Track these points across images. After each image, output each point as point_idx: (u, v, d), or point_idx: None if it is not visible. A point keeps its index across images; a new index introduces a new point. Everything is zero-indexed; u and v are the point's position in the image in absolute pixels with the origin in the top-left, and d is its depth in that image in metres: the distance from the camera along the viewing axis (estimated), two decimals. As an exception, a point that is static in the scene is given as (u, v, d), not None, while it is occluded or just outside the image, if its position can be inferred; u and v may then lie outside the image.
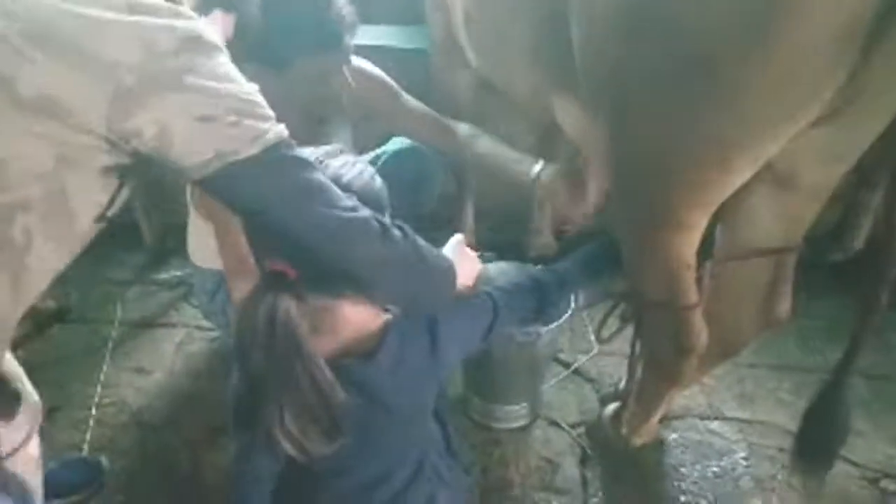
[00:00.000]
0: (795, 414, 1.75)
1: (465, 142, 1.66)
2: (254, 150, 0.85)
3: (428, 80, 1.94)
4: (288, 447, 0.90)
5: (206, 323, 2.00)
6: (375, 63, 1.69)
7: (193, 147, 0.83)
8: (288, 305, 0.87)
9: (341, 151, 1.01)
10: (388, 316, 1.04)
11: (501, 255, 1.79)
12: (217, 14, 1.07)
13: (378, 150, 1.87)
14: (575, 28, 1.07)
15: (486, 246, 2.09)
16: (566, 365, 1.87)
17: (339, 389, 0.91)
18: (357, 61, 1.63)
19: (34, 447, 1.15)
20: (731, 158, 0.97)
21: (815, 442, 1.25)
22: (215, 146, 0.83)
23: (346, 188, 0.94)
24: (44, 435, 1.20)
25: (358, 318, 0.99)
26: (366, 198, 0.96)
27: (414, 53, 2.05)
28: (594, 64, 1.05)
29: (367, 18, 2.16)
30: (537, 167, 1.54)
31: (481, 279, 1.69)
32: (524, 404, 1.68)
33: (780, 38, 0.81)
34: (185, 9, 0.85)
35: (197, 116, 0.82)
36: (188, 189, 1.56)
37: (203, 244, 1.56)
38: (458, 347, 1.09)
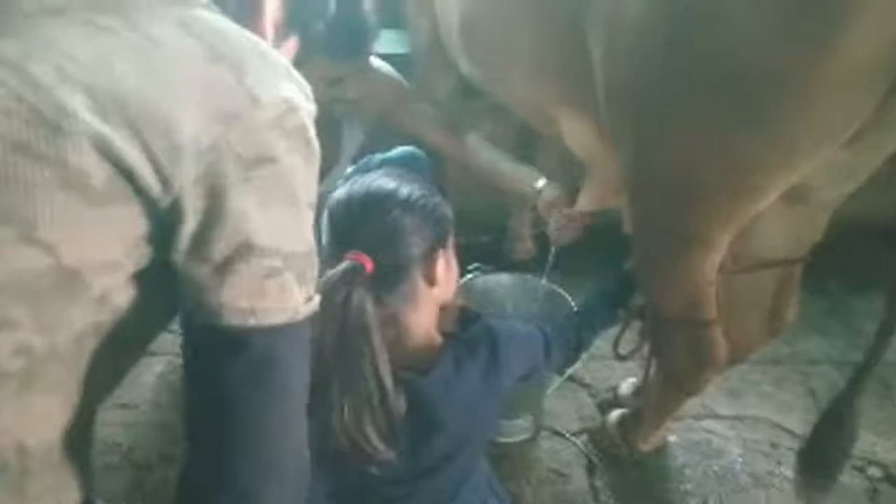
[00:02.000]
0: (780, 406, 1.84)
1: (471, 149, 1.66)
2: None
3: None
4: (343, 441, 0.88)
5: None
6: None
7: None
8: (363, 295, 0.87)
9: (409, 176, 1.01)
10: (448, 333, 1.04)
11: (487, 265, 1.79)
12: (293, 42, 0.90)
13: (382, 156, 1.83)
14: (596, 44, 1.06)
15: (463, 251, 2.08)
16: (560, 372, 1.89)
17: (400, 396, 0.91)
18: (372, 60, 1.61)
19: None
20: (761, 183, 0.98)
21: (826, 452, 1.29)
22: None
23: (409, 199, 0.95)
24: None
25: (420, 331, 0.99)
26: (430, 210, 0.96)
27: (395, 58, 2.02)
28: (619, 82, 1.04)
29: None
30: (542, 181, 1.56)
31: (478, 291, 1.72)
32: (528, 417, 1.69)
33: (818, 65, 0.82)
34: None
35: None
36: None
37: None
38: (515, 372, 1.09)
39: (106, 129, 0.52)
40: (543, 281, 1.66)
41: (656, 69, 0.96)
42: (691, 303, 1.19)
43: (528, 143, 1.98)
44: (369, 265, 0.90)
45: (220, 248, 0.57)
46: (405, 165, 1.78)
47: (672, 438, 1.71)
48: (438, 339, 1.02)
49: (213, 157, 0.55)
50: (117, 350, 0.63)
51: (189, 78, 0.56)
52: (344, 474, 0.98)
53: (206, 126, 0.55)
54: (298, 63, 1.36)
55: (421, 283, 0.97)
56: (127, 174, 0.53)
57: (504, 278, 1.71)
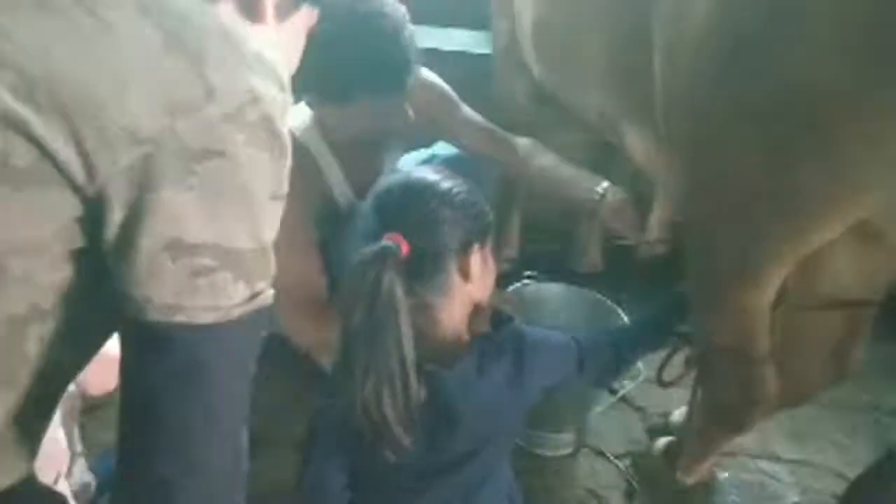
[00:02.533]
0: (849, 457, 1.70)
1: (527, 156, 1.62)
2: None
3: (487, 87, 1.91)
4: (363, 419, 0.89)
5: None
6: (440, 66, 1.66)
7: None
8: (394, 276, 0.88)
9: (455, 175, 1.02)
10: (477, 333, 1.04)
11: (550, 275, 1.75)
12: (305, 10, 0.84)
13: (426, 152, 1.83)
14: (658, 55, 1.02)
15: (529, 259, 2.05)
16: (612, 392, 1.82)
17: (418, 386, 0.91)
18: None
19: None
20: (823, 216, 0.91)
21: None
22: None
23: (454, 195, 0.97)
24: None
25: (449, 325, 1.00)
26: (471, 207, 0.98)
27: (480, 58, 2.03)
28: (678, 97, 1.00)
29: (433, 20, 2.16)
30: (604, 186, 1.49)
31: (529, 298, 1.68)
32: (570, 432, 1.64)
33: (886, 102, 0.76)
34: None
35: None
36: None
37: None
38: (541, 380, 1.07)
39: (27, 112, 0.52)
40: (597, 294, 1.60)
41: (718, 85, 0.91)
42: (741, 335, 1.12)
43: (603, 152, 1.92)
44: (405, 248, 0.91)
45: (146, 243, 0.56)
46: (464, 163, 1.77)
47: (723, 475, 1.61)
48: (466, 336, 1.03)
49: (152, 147, 0.54)
50: (70, 337, 0.62)
51: (137, 65, 0.55)
52: (362, 463, 0.99)
53: (149, 116, 0.54)
54: (341, 102, 1.37)
55: (455, 277, 0.98)
56: (51, 158, 0.53)
57: (557, 288, 1.67)
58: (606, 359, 1.16)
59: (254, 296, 0.62)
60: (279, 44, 0.74)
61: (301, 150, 1.47)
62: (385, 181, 1.01)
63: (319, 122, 1.48)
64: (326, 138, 1.50)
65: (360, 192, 1.56)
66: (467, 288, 0.99)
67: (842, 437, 1.75)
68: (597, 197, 1.51)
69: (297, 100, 1.36)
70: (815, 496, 1.59)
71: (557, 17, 1.32)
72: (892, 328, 2.03)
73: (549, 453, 1.64)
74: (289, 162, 0.64)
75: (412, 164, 1.79)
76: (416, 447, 0.93)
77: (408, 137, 1.68)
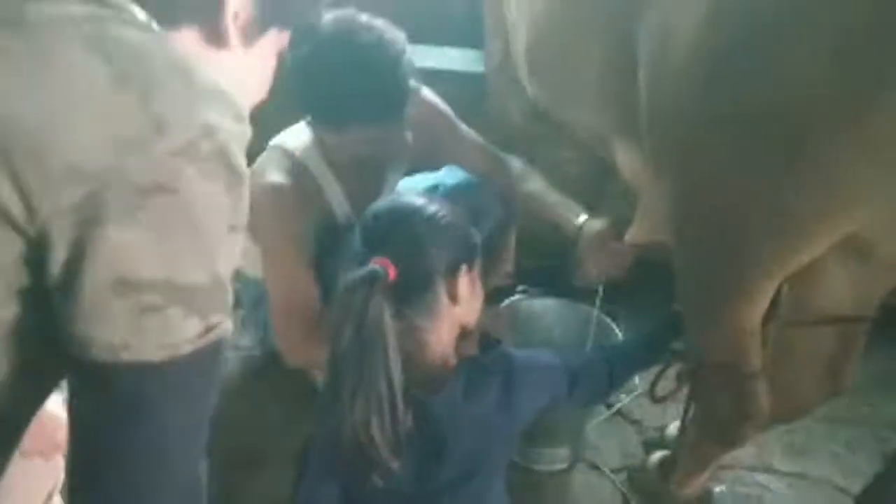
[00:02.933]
0: (847, 470, 1.69)
1: (517, 178, 1.64)
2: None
3: (479, 105, 1.91)
4: (350, 443, 0.89)
5: (240, 342, 1.99)
6: (434, 85, 1.66)
7: None
8: (381, 300, 0.88)
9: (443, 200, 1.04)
10: (465, 357, 1.04)
11: (546, 290, 1.75)
12: (273, 34, 0.78)
13: (432, 178, 1.83)
14: (644, 71, 1.02)
15: (527, 274, 2.06)
16: (608, 405, 1.82)
17: (405, 409, 0.91)
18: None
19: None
20: (810, 232, 0.92)
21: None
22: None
23: (441, 219, 0.98)
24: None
25: (437, 349, 1.00)
26: (459, 230, 1.00)
27: (475, 76, 2.03)
28: (664, 114, 1.00)
29: (428, 39, 2.17)
30: (582, 217, 1.51)
31: (522, 314, 1.68)
32: (566, 447, 1.64)
33: (875, 112, 0.77)
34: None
35: None
36: None
37: (251, 253, 1.55)
38: (531, 402, 1.07)
39: None
40: (595, 311, 1.60)
41: (704, 101, 0.91)
42: (733, 351, 1.11)
43: (598, 169, 1.93)
44: (392, 272, 0.91)
45: (90, 281, 0.54)
46: (470, 190, 1.78)
47: (719, 488, 1.61)
48: (454, 360, 1.02)
49: (97, 185, 0.53)
50: (20, 377, 0.61)
51: (84, 102, 0.54)
52: (353, 488, 0.99)
53: (94, 152, 0.53)
54: (338, 128, 1.37)
55: (443, 299, 0.98)
56: None
57: (550, 303, 1.67)
58: (598, 378, 1.16)
59: (208, 329, 0.60)
60: (247, 69, 0.74)
61: (300, 168, 1.47)
62: (372, 206, 1.02)
63: (319, 142, 1.48)
64: (326, 157, 1.50)
65: (361, 210, 1.56)
66: (455, 311, 0.99)
67: (839, 450, 1.74)
68: (575, 227, 1.54)
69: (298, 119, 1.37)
70: (812, 509, 1.58)
71: (549, 35, 1.33)
72: (888, 341, 2.04)
73: (544, 468, 1.63)
74: (247, 193, 0.63)
75: (416, 190, 1.80)
76: (406, 473, 0.92)
77: (407, 156, 1.68)
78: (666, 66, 0.94)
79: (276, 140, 1.53)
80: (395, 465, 0.91)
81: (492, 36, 1.76)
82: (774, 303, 1.12)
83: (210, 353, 0.61)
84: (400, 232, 0.96)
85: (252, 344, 1.94)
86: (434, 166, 1.84)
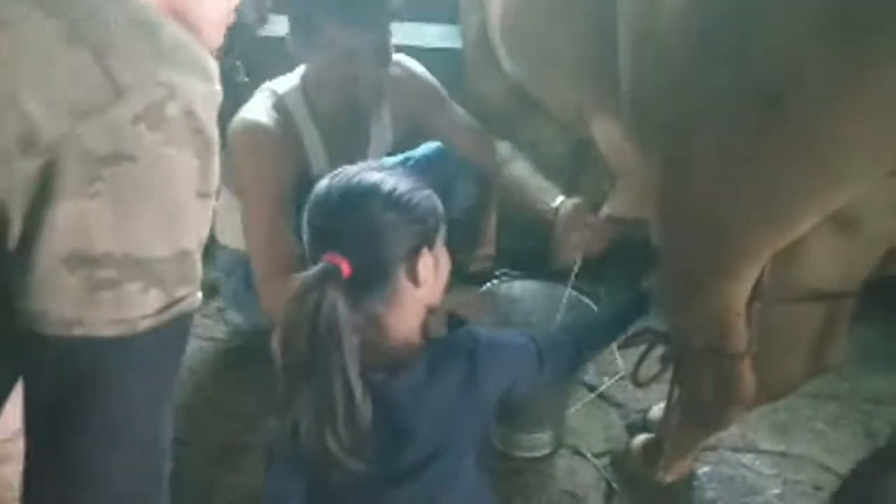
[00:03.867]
0: (832, 447, 1.68)
1: (503, 160, 1.62)
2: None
3: (459, 80, 1.87)
4: (310, 447, 0.87)
5: (218, 333, 1.94)
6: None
7: None
8: (336, 299, 0.84)
9: (401, 170, 0.99)
10: (430, 338, 1.00)
11: (526, 273, 1.72)
12: None
13: (406, 154, 1.81)
14: (625, 48, 0.98)
15: (508, 255, 2.03)
16: (591, 388, 1.79)
17: (367, 401, 0.88)
18: (406, 60, 1.60)
19: None
20: (797, 210, 0.89)
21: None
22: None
23: (393, 194, 0.91)
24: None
25: (400, 333, 0.96)
26: (416, 205, 0.92)
27: (452, 52, 1.99)
28: (648, 93, 0.96)
29: (406, 16, 2.13)
30: (559, 199, 1.51)
31: (502, 296, 1.65)
32: (548, 432, 1.61)
33: (863, 84, 0.74)
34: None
35: None
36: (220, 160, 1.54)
37: (232, 222, 1.54)
38: (498, 382, 1.03)
39: None
40: (569, 289, 1.57)
41: (686, 83, 0.88)
42: (717, 332, 1.09)
43: (577, 146, 1.90)
44: (346, 268, 0.86)
45: (43, 255, 0.51)
46: (434, 163, 1.74)
47: (703, 469, 1.59)
48: (419, 341, 0.98)
49: (53, 154, 0.49)
50: None
51: (35, 65, 0.50)
52: (317, 480, 0.96)
53: (48, 121, 0.49)
54: (305, 31, 1.35)
55: (404, 283, 0.93)
56: None
57: (530, 285, 1.64)
58: (565, 354, 1.12)
59: (171, 303, 0.58)
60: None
61: (283, 111, 1.46)
62: (322, 187, 0.94)
63: (304, 87, 1.48)
64: (309, 102, 1.49)
65: (337, 163, 1.54)
66: (419, 293, 0.95)
67: (823, 427, 1.74)
68: (552, 208, 1.54)
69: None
70: (795, 487, 1.57)
71: (524, 9, 1.29)
72: (869, 316, 2.03)
73: (526, 454, 1.61)
74: (216, 158, 0.59)
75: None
76: (368, 459, 0.89)
77: (395, 125, 1.65)
78: (649, 45, 0.91)
79: (267, 83, 1.53)
80: (355, 465, 0.88)
81: (467, 11, 1.72)
82: (758, 281, 1.10)
83: (175, 327, 0.59)
84: (352, 221, 0.90)
85: (227, 335, 1.90)
86: (419, 143, 1.81)
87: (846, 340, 1.20)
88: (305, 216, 0.94)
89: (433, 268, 0.95)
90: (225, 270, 1.76)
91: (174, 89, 0.53)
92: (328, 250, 0.87)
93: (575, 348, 1.13)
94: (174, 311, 0.58)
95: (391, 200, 0.90)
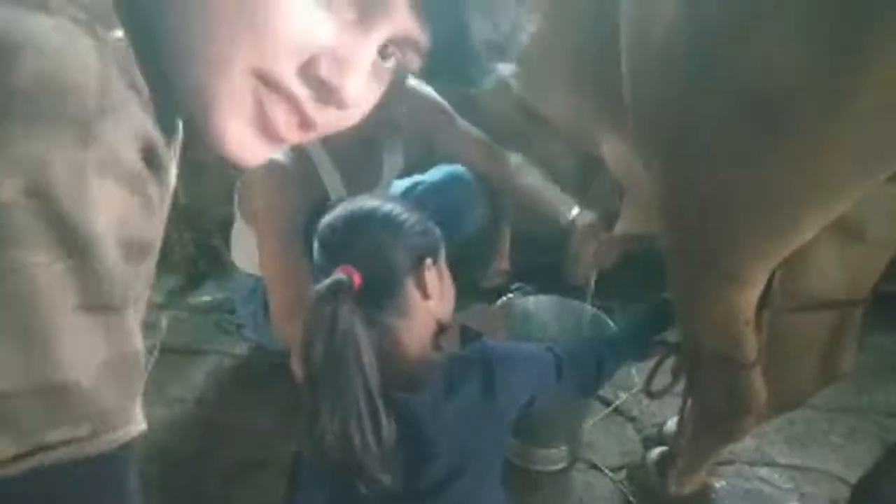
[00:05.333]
0: (848, 460, 1.67)
1: (515, 171, 1.65)
2: None
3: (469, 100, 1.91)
4: (338, 460, 0.88)
5: (238, 350, 1.98)
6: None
7: None
8: (350, 310, 0.88)
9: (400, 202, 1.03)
10: (444, 353, 1.04)
11: (541, 288, 1.74)
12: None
13: (417, 178, 1.84)
14: (626, 62, 1.01)
15: (522, 271, 2.05)
16: (607, 403, 1.80)
17: (391, 417, 0.90)
18: (412, 82, 1.62)
19: None
20: (800, 216, 0.90)
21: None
22: None
23: (399, 219, 0.97)
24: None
25: (414, 347, 0.99)
26: (419, 227, 0.99)
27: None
28: (647, 104, 0.99)
29: None
30: (575, 211, 1.52)
31: (518, 312, 1.67)
32: (564, 446, 1.62)
33: (856, 94, 0.75)
34: None
35: None
36: (236, 189, 1.58)
37: (245, 247, 1.57)
38: (516, 395, 1.05)
39: None
40: (587, 305, 1.59)
41: (684, 90, 0.90)
42: (728, 341, 1.10)
43: (587, 162, 1.92)
44: (357, 279, 0.90)
45: None
46: (449, 186, 1.78)
47: (720, 483, 1.59)
48: (433, 356, 1.02)
49: None
50: None
51: None
52: (343, 495, 0.97)
53: None
54: None
55: (414, 294, 0.98)
56: None
57: (545, 300, 1.65)
58: (585, 368, 1.15)
59: (33, 451, 0.41)
60: None
61: (299, 150, 1.49)
62: (328, 218, 1.01)
63: None
64: (323, 138, 1.50)
65: (357, 195, 1.59)
66: (428, 305, 0.99)
67: (839, 440, 1.73)
68: (567, 221, 1.55)
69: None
70: (813, 500, 1.56)
71: (529, 26, 1.32)
72: (885, 329, 2.03)
73: (542, 468, 1.61)
74: (106, 254, 0.41)
75: (400, 190, 1.81)
76: (393, 476, 0.91)
77: (406, 148, 1.69)
78: (647, 53, 0.93)
79: None
80: (381, 474, 0.90)
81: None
82: (767, 290, 1.11)
83: (52, 478, 0.42)
84: (358, 237, 0.96)
85: (247, 351, 1.94)
86: (432, 162, 1.85)
87: (856, 349, 1.20)
88: (316, 241, 1.00)
89: (438, 280, 1.01)
90: (242, 294, 1.79)
91: (30, 172, 0.36)
92: (339, 263, 0.92)
93: (595, 362, 1.16)
94: (42, 459, 0.41)
95: (390, 218, 0.97)
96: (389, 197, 1.03)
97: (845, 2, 0.73)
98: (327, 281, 0.89)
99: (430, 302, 0.99)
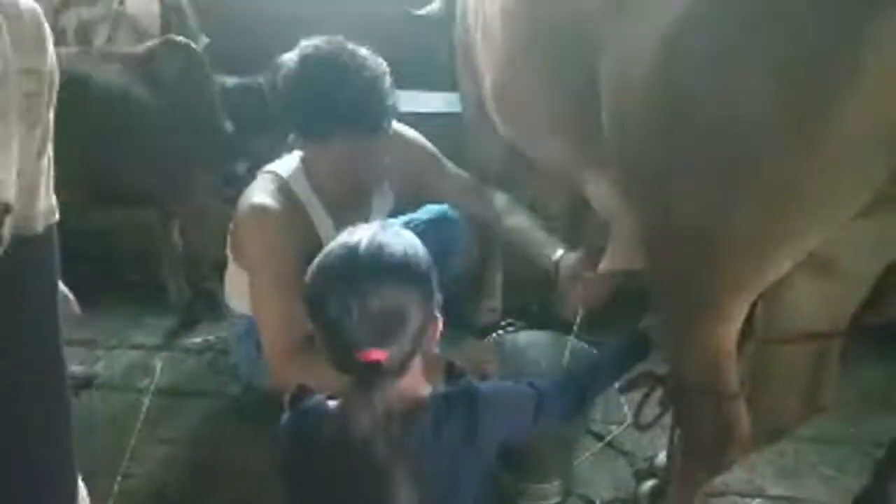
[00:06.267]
0: (839, 491, 1.69)
1: (501, 212, 1.68)
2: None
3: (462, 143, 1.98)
4: None
5: (233, 390, 1.99)
6: (416, 127, 1.74)
7: None
8: (388, 394, 0.90)
9: (384, 228, 1.03)
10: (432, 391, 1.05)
11: (530, 323, 1.77)
12: None
13: (407, 217, 1.88)
14: (606, 106, 1.06)
15: (513, 310, 2.08)
16: (599, 437, 1.82)
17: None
18: (400, 128, 1.67)
19: None
20: (775, 252, 0.95)
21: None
22: None
23: (406, 269, 0.96)
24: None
25: (408, 386, 1.00)
26: (424, 274, 0.98)
27: (453, 117, 2.11)
28: (624, 148, 1.04)
29: (412, 85, 2.25)
30: (559, 252, 1.55)
31: (508, 348, 1.70)
32: (557, 481, 1.63)
33: (826, 138, 0.80)
34: None
35: None
36: (229, 231, 1.62)
37: (239, 288, 1.59)
38: (496, 433, 1.06)
39: None
40: (573, 340, 1.61)
41: (662, 133, 0.95)
42: (710, 372, 1.13)
43: (574, 204, 1.97)
44: (382, 357, 0.91)
45: None
46: (436, 226, 1.81)
47: (713, 516, 1.61)
48: (423, 392, 1.03)
49: None
50: None
51: None
52: None
53: None
54: (321, 140, 1.43)
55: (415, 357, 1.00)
56: None
57: (535, 335, 1.68)
58: (570, 398, 1.17)
59: None
60: None
61: (287, 192, 1.53)
62: (335, 273, 0.97)
63: (306, 167, 1.55)
64: (312, 182, 1.55)
65: None
66: (419, 353, 1.01)
67: (829, 471, 1.75)
68: (552, 260, 1.58)
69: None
70: (805, 533, 1.58)
71: (513, 75, 1.38)
72: (872, 360, 2.06)
73: (536, 503, 1.63)
74: None
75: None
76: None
77: (396, 192, 1.73)
78: (628, 96, 0.98)
79: (268, 167, 1.59)
80: None
81: (463, 79, 1.82)
82: (750, 322, 1.15)
83: None
84: (377, 314, 0.92)
85: (241, 391, 1.95)
86: (420, 204, 1.89)
87: (837, 382, 1.24)
88: (337, 302, 0.94)
89: (434, 332, 1.02)
90: (236, 335, 1.80)
91: None
92: (367, 345, 0.91)
93: (578, 390, 1.18)
94: None
95: (405, 276, 0.95)
96: (407, 240, 1.01)
97: (811, 54, 0.78)
98: (358, 372, 0.91)
99: (421, 350, 1.01)
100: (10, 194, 0.70)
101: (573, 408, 1.19)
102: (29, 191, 0.76)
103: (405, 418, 0.97)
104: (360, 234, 0.98)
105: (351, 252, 0.96)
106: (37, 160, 0.77)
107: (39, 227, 0.80)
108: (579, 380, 1.21)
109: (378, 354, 0.90)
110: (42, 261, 0.84)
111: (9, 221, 0.69)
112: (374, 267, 0.94)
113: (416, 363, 1.01)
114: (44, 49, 0.74)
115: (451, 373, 1.07)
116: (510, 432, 1.09)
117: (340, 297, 0.93)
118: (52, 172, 0.84)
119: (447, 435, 1.00)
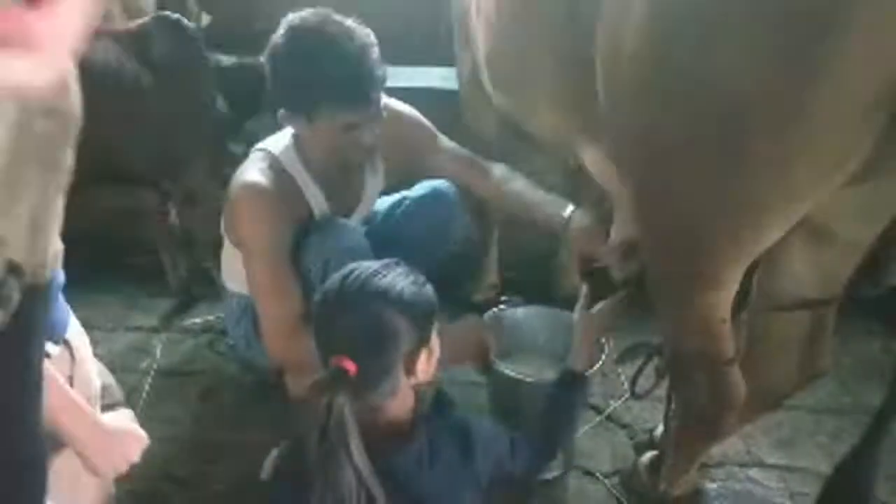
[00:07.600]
0: (835, 459, 1.69)
1: (500, 180, 1.67)
2: None
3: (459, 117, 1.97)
4: None
5: (232, 369, 2.00)
6: (411, 103, 1.73)
7: None
8: (344, 403, 0.92)
9: (397, 264, 1.05)
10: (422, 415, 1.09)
11: (528, 299, 1.77)
12: None
13: (401, 195, 1.87)
14: (599, 77, 1.06)
15: (512, 288, 2.08)
16: (598, 411, 1.83)
17: (380, 488, 0.94)
18: (394, 103, 1.66)
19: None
20: (763, 220, 0.95)
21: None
22: None
23: (398, 298, 0.99)
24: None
25: (396, 413, 1.04)
26: (417, 306, 1.01)
27: (449, 93, 2.09)
28: (618, 116, 1.04)
29: (401, 60, 2.23)
30: (569, 210, 1.53)
31: (507, 324, 1.70)
32: (558, 454, 1.64)
33: (810, 105, 0.81)
34: None
35: None
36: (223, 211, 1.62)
37: (235, 268, 1.60)
38: (489, 459, 1.11)
39: None
40: (574, 315, 1.61)
41: (652, 104, 0.95)
42: (705, 338, 1.14)
43: (572, 174, 1.97)
44: (353, 369, 0.94)
45: None
46: (433, 201, 1.81)
47: (712, 485, 1.62)
48: (412, 417, 1.06)
49: None
50: None
51: None
52: None
53: None
54: (309, 114, 1.42)
55: (402, 377, 1.02)
56: None
57: (534, 311, 1.68)
58: (535, 454, 1.23)
59: None
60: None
61: (279, 169, 1.52)
62: (331, 287, 1.03)
63: (296, 143, 1.54)
64: (303, 158, 1.55)
65: (340, 214, 1.63)
66: (413, 381, 1.04)
67: (827, 441, 1.76)
68: (562, 221, 1.55)
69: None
70: (803, 500, 1.59)
71: (507, 43, 1.37)
72: (867, 331, 2.08)
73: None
74: None
75: (384, 207, 1.83)
76: None
77: (390, 168, 1.73)
78: (617, 65, 0.98)
79: (259, 144, 1.59)
80: None
81: (461, 48, 1.81)
82: (746, 290, 1.15)
83: None
84: (359, 325, 0.98)
85: (241, 371, 1.95)
86: (415, 180, 1.88)
87: (832, 349, 1.25)
88: (315, 311, 1.03)
89: (427, 358, 1.05)
90: (233, 314, 1.80)
91: None
92: (336, 353, 0.96)
93: (544, 444, 1.26)
94: None
95: (397, 298, 0.99)
96: (390, 266, 1.04)
97: (799, 17, 0.78)
98: (324, 373, 0.94)
99: (413, 377, 1.03)
100: (20, 252, 0.65)
101: (538, 460, 1.25)
102: (43, 237, 0.72)
103: (394, 441, 1.02)
104: (382, 262, 1.05)
105: (360, 270, 1.02)
106: (52, 206, 0.72)
107: (48, 274, 0.75)
108: (541, 436, 1.25)
109: (349, 365, 0.94)
110: (46, 310, 0.81)
111: (16, 285, 0.64)
112: (369, 286, 0.99)
113: (403, 396, 1.04)
114: (66, 86, 0.67)
115: (441, 400, 1.10)
116: (493, 465, 1.12)
117: (331, 305, 1.00)
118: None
119: (446, 458, 1.04)
